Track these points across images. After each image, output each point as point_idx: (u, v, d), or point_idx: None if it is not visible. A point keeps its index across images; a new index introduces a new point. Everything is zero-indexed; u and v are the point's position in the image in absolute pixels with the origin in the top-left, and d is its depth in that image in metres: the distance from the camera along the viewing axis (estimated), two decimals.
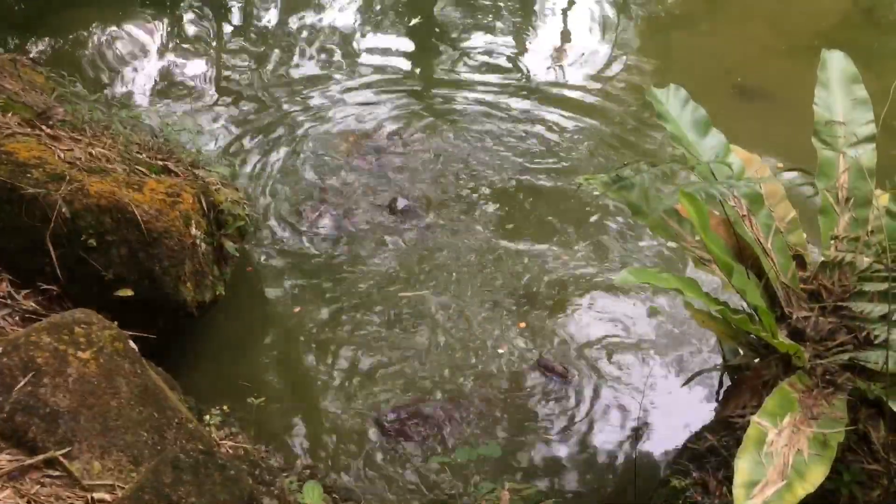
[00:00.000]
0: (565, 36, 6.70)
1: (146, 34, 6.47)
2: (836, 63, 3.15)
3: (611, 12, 6.99)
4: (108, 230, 3.23)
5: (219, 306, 3.82)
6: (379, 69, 6.07)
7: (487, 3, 7.01)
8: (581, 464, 3.27)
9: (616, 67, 6.17)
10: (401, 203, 4.62)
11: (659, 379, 3.61)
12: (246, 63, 6.16)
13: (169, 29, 6.58)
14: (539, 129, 5.37)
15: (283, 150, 5.15)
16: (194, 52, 6.30)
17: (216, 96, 5.73)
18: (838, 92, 3.11)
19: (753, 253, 2.89)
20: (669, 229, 2.84)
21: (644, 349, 3.78)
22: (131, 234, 3.26)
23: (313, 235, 4.49)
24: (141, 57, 6.19)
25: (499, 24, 6.72)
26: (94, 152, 3.60)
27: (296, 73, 6.05)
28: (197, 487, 2.05)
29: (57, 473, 2.31)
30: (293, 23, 6.77)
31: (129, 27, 6.48)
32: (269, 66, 6.12)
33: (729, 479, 2.37)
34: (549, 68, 6.10)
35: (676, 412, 3.39)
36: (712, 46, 6.44)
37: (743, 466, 2.18)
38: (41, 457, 2.29)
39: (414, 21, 6.77)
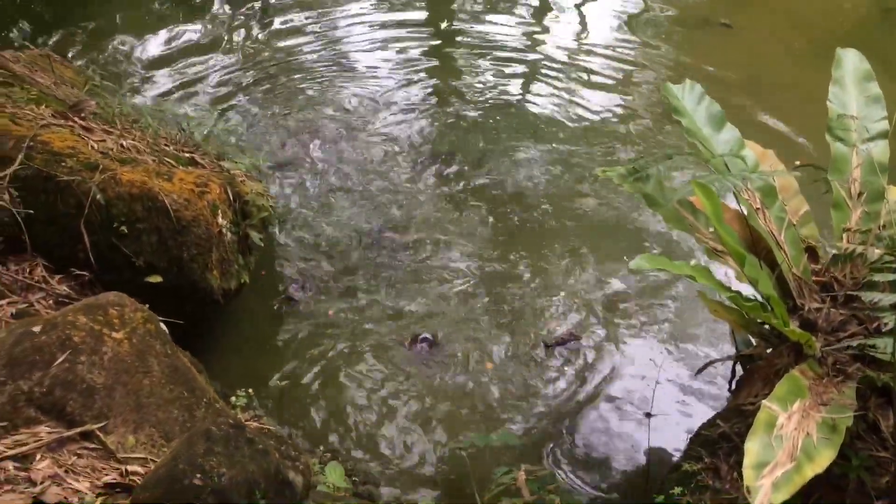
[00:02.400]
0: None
1: (171, 31, 6.61)
2: (851, 61, 3.21)
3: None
4: (140, 218, 3.34)
5: (242, 297, 3.92)
6: None
7: None
8: (595, 449, 3.34)
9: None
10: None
11: (672, 368, 3.68)
12: (272, 55, 6.27)
13: (192, 26, 6.70)
14: None
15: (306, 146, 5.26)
16: (218, 48, 6.42)
17: (240, 91, 5.84)
18: (852, 89, 3.17)
19: (767, 245, 2.96)
20: (684, 221, 2.91)
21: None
22: (161, 222, 3.37)
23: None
24: (166, 53, 6.32)
25: None
26: (124, 143, 3.72)
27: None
28: (228, 458, 2.14)
29: (93, 446, 2.42)
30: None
31: (156, 24, 6.62)
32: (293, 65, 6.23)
33: (740, 464, 2.42)
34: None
35: (690, 401, 3.46)
36: (730, 44, 6.49)
37: (753, 448, 2.25)
38: (78, 429, 2.40)
39: None
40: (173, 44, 6.45)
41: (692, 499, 2.57)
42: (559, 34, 6.83)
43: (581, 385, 3.68)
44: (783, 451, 2.24)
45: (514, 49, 6.51)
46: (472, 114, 5.63)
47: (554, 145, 5.29)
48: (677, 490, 2.58)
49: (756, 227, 2.92)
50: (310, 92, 5.88)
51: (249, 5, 7.07)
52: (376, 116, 5.59)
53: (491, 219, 4.67)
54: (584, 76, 6.10)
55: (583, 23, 7.06)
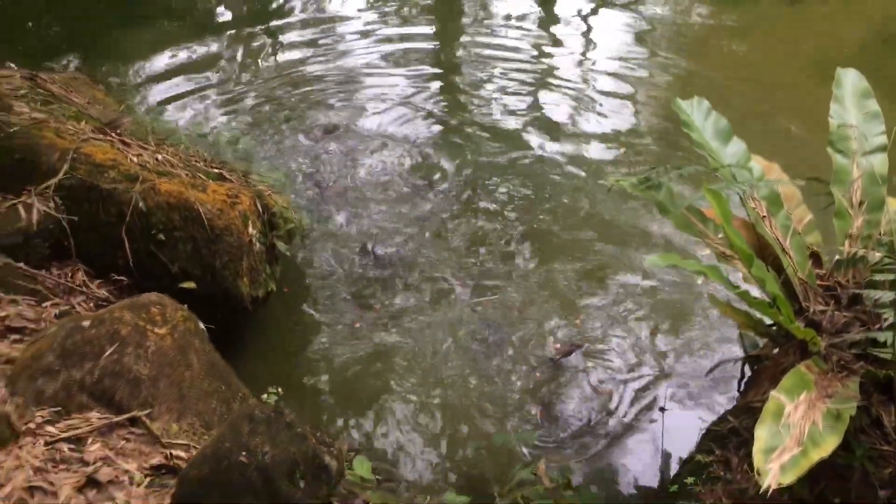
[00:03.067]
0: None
1: (192, 52, 6.87)
2: (850, 80, 3.40)
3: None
4: (176, 226, 3.52)
5: (268, 306, 4.09)
6: None
7: None
8: (611, 444, 3.47)
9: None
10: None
11: (684, 368, 3.83)
12: (288, 90, 6.51)
13: (201, 46, 6.95)
14: None
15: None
16: (223, 68, 6.66)
17: (264, 110, 6.06)
18: (851, 106, 3.34)
19: (773, 252, 3.12)
20: (693, 227, 3.07)
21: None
22: (196, 231, 3.55)
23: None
24: (189, 73, 6.55)
25: None
26: (160, 157, 3.91)
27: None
28: (270, 439, 2.28)
29: (140, 431, 2.57)
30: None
31: (166, 44, 6.88)
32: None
33: (749, 456, 2.56)
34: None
35: (701, 400, 3.61)
36: (732, 71, 6.71)
37: (762, 435, 2.39)
38: (126, 416, 2.56)
39: None
40: (182, 63, 6.67)
41: (704, 488, 2.69)
42: (569, 45, 7.15)
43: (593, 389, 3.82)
44: (791, 438, 2.38)
45: (523, 61, 6.79)
46: (479, 131, 5.86)
47: (564, 154, 5.52)
48: (690, 480, 2.71)
49: (763, 234, 3.08)
50: (318, 109, 6.10)
51: (259, 26, 7.34)
52: (381, 133, 5.81)
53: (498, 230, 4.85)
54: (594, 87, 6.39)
55: (591, 34, 7.38)
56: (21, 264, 3.32)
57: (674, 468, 3.12)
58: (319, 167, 5.42)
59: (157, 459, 2.49)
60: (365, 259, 4.64)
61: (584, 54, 7.09)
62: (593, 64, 6.90)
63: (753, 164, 3.18)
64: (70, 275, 3.45)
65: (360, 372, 3.98)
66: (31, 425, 2.44)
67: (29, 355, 2.66)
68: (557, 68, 6.74)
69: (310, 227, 4.78)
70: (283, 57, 6.97)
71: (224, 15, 7.78)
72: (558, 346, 4.00)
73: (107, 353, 2.63)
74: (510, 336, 4.10)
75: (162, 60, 6.69)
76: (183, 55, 6.82)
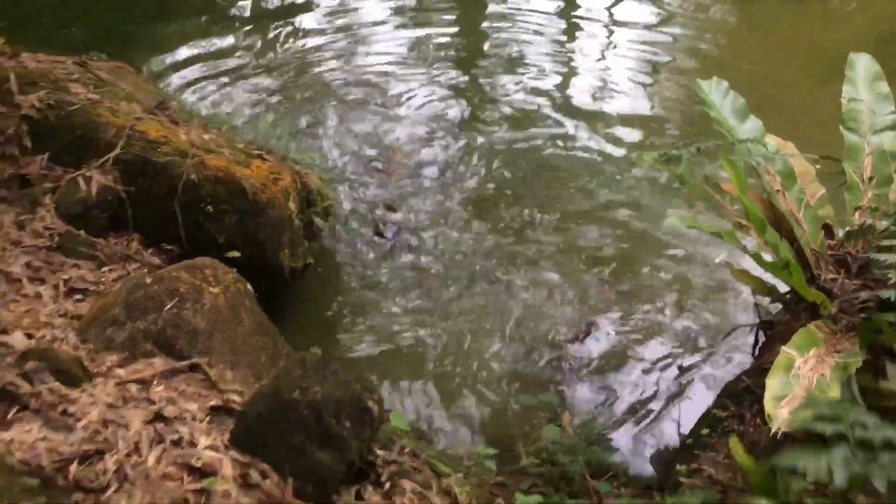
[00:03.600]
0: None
1: (219, 43, 7.12)
2: (862, 63, 3.58)
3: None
4: (223, 199, 3.75)
5: (306, 280, 4.31)
6: None
7: None
8: (633, 406, 3.67)
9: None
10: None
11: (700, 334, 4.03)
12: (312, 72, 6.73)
13: (239, 38, 7.20)
14: None
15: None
16: (267, 56, 6.90)
17: (293, 95, 6.30)
18: (863, 88, 3.52)
19: (787, 225, 3.30)
20: (711, 199, 3.26)
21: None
22: (242, 204, 3.78)
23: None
24: (218, 62, 6.79)
25: None
26: (206, 137, 4.15)
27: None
28: (320, 381, 2.50)
29: (199, 377, 2.80)
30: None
31: (214, 39, 7.14)
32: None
33: (762, 412, 2.74)
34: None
35: (719, 364, 3.82)
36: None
37: (773, 384, 2.58)
38: (187, 362, 2.79)
39: None
40: (210, 53, 6.89)
41: (718, 440, 2.88)
42: (591, 31, 7.37)
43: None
44: (800, 387, 2.57)
45: (545, 52, 7.01)
46: (502, 112, 6.08)
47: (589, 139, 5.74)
48: (705, 432, 2.90)
49: (777, 207, 3.27)
50: (338, 100, 6.33)
51: (283, 18, 7.59)
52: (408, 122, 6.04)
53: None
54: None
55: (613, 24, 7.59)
56: (81, 232, 3.57)
57: (691, 424, 3.31)
58: (354, 148, 5.65)
59: (214, 402, 2.71)
60: (389, 233, 4.84)
61: (608, 36, 7.28)
62: (615, 48, 7.08)
63: (769, 141, 3.36)
64: (126, 243, 3.70)
65: (394, 349, 4.18)
66: (102, 368, 2.68)
67: (97, 308, 2.91)
68: (580, 52, 6.95)
69: (339, 204, 5.01)
70: (306, 43, 7.18)
71: (246, 9, 7.99)
72: (583, 327, 4.20)
73: (167, 307, 2.87)
74: (539, 310, 4.30)
75: (191, 51, 6.92)
76: (211, 46, 7.05)
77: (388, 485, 2.70)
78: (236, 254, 3.79)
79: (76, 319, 3.04)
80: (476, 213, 5.06)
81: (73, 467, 2.23)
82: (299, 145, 5.48)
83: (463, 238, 4.88)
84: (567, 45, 7.18)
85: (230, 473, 2.35)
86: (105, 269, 3.53)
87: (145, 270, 3.65)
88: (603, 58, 6.98)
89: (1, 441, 2.22)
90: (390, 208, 5.06)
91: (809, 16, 7.80)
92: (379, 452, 2.82)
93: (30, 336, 2.80)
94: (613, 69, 6.74)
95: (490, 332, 4.21)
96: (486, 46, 7.20)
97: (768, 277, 3.27)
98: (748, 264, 3.33)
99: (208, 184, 3.73)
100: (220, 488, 2.29)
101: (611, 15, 7.77)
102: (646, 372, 3.87)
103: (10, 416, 2.34)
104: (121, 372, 2.68)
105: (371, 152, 5.62)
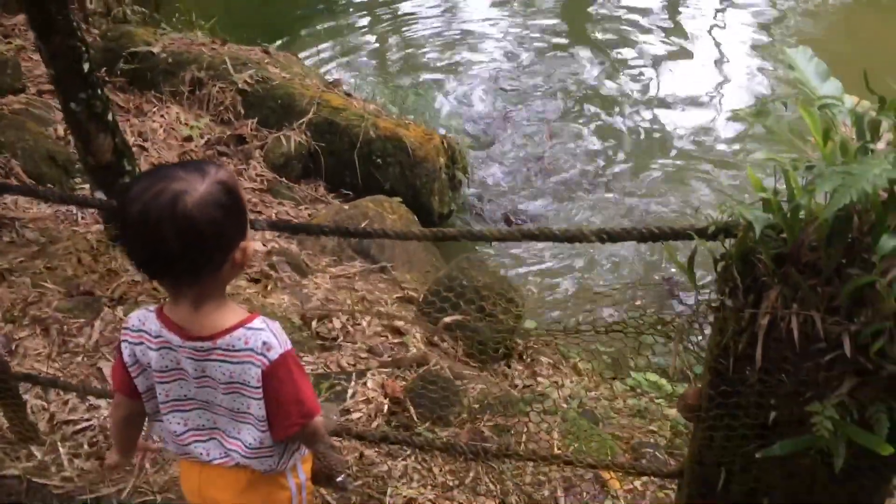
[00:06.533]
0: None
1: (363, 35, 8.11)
2: None
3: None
4: (390, 153, 4.70)
5: (449, 223, 5.21)
6: None
7: None
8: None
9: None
10: None
11: None
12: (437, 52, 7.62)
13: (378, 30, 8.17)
14: None
15: None
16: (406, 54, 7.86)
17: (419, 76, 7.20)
18: None
19: None
20: (795, 145, 3.92)
21: None
22: (403, 158, 4.72)
23: None
24: (364, 51, 7.79)
25: None
26: (371, 108, 5.12)
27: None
28: (480, 274, 3.38)
29: (386, 277, 3.74)
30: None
31: (356, 32, 8.16)
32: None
33: None
34: None
35: None
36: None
37: None
38: (378, 265, 3.73)
39: None
40: (356, 45, 7.91)
41: None
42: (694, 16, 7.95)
43: None
44: None
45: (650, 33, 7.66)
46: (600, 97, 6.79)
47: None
48: None
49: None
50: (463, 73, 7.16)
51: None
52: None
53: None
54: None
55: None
56: (283, 179, 4.60)
57: None
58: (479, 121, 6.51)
59: (397, 294, 3.64)
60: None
61: (716, 21, 7.87)
62: (721, 40, 7.62)
63: (847, 98, 3.99)
64: (314, 188, 4.71)
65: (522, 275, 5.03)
66: (318, 267, 3.65)
67: None
68: (684, 44, 7.55)
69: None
70: (420, 32, 8.04)
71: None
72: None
73: (362, 225, 3.82)
74: None
75: (341, 44, 7.97)
76: (356, 40, 8.08)
77: (528, 360, 3.55)
78: (398, 199, 4.73)
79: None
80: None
81: (314, 323, 3.19)
82: (440, 116, 6.39)
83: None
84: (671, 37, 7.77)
85: (419, 335, 3.26)
86: (301, 207, 4.54)
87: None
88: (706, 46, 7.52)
89: (267, 303, 3.22)
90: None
91: None
92: (518, 341, 3.68)
93: (264, 245, 3.82)
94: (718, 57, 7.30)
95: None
96: (588, 30, 7.88)
97: None
98: None
99: (379, 141, 4.68)
100: (414, 343, 3.21)
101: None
102: None
103: (268, 288, 3.34)
104: (333, 269, 3.65)
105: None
